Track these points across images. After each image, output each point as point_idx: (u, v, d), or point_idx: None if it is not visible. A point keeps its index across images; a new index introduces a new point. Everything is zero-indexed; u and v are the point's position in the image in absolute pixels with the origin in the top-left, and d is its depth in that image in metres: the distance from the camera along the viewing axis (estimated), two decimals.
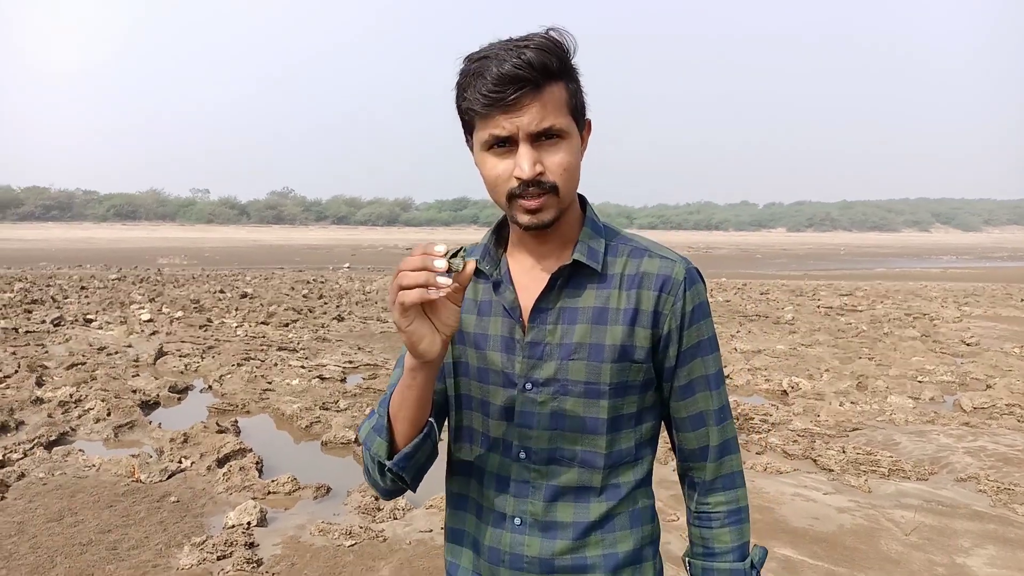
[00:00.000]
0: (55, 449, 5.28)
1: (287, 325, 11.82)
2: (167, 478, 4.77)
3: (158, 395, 7.01)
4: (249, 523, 4.03)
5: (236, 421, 6.09)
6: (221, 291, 16.64)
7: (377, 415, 1.15)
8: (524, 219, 1.11)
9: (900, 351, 9.94)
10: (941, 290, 19.91)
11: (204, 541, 3.76)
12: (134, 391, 6.94)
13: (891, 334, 11.44)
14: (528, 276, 1.21)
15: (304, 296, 16.02)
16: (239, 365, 8.39)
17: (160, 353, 8.96)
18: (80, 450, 5.25)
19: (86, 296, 15.00)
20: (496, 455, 1.21)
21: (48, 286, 16.88)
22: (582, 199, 1.26)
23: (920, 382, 7.98)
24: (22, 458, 5.05)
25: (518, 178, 1.08)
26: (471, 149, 1.17)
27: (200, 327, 11.35)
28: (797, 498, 4.52)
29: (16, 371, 7.61)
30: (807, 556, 3.78)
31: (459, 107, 1.12)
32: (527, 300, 1.19)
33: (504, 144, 1.08)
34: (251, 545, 3.80)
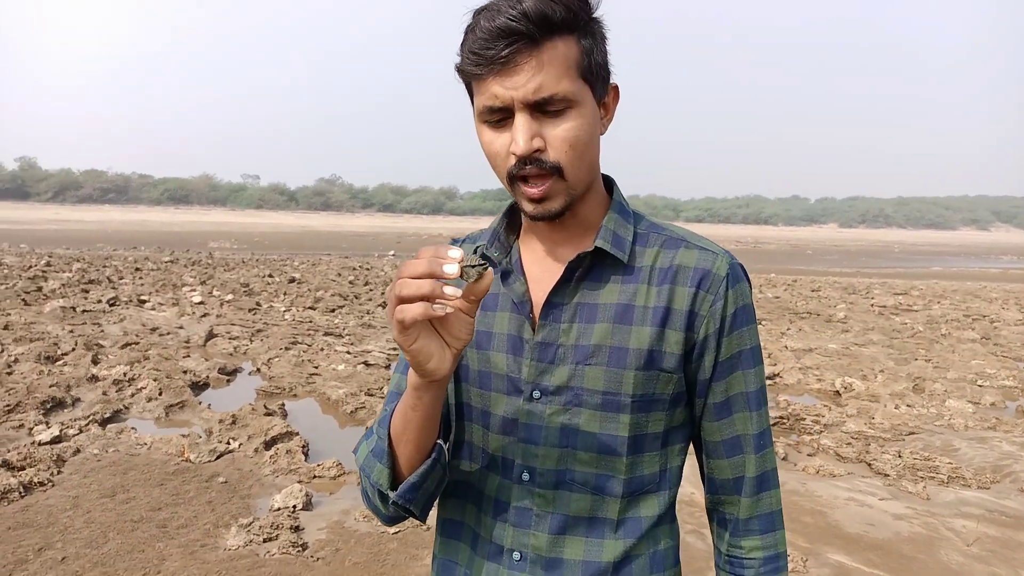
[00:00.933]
0: (109, 426, 5.40)
1: (333, 311, 11.94)
2: (215, 459, 4.84)
3: (208, 376, 7.13)
4: (295, 506, 4.06)
5: (283, 404, 6.15)
6: (270, 275, 16.91)
7: (376, 436, 0.99)
8: (529, 208, 0.95)
9: (959, 353, 9.59)
10: (1001, 291, 19.19)
11: (251, 523, 3.79)
12: (185, 372, 7.07)
13: (949, 335, 11.06)
14: (541, 266, 1.04)
15: (350, 282, 16.18)
16: (286, 349, 8.49)
17: (210, 335, 9.12)
18: (133, 428, 5.37)
19: (140, 277, 15.38)
20: (495, 475, 1.03)
21: (104, 267, 17.36)
22: (608, 180, 1.08)
23: (980, 386, 7.69)
24: (78, 434, 5.18)
25: (513, 154, 0.91)
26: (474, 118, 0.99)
27: (249, 310, 11.54)
28: (851, 503, 4.37)
29: (73, 349, 7.82)
30: (862, 563, 3.64)
31: (457, 68, 0.95)
32: (539, 294, 1.02)
33: (500, 116, 0.91)
34: (296, 529, 3.82)
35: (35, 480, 4.22)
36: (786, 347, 9.64)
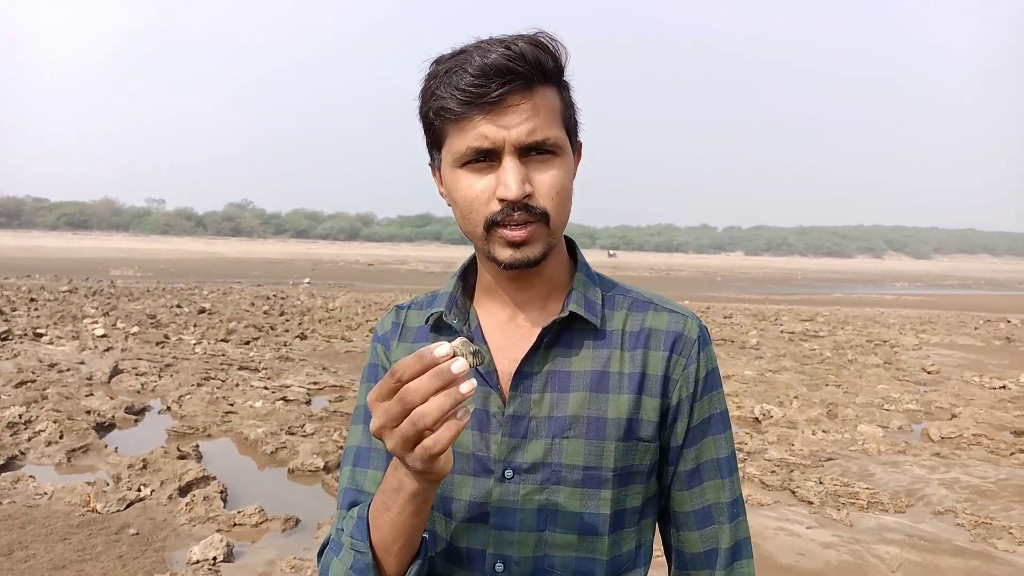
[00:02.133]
0: (3, 475, 4.96)
1: (248, 343, 11.49)
2: (125, 508, 4.51)
3: (113, 416, 6.69)
4: (215, 558, 3.81)
5: (198, 446, 5.82)
6: (178, 305, 16.16)
7: (351, 550, 0.86)
8: (505, 254, 0.88)
9: (865, 378, 10.05)
10: (898, 316, 20.32)
11: None
12: (88, 412, 6.61)
13: (855, 361, 11.58)
14: (503, 333, 0.96)
15: (265, 312, 15.64)
16: (199, 385, 8.09)
17: (115, 371, 8.60)
18: (31, 476, 4.95)
19: (35, 308, 14.42)
20: (462, 571, 0.93)
21: None
22: (569, 242, 1.04)
23: (887, 410, 8.05)
24: None
25: (502, 199, 0.85)
26: (436, 169, 0.95)
27: (157, 343, 10.97)
28: (781, 532, 4.45)
29: None
30: None
31: (425, 113, 0.89)
32: (504, 363, 0.94)
33: (484, 159, 0.86)
34: None
35: None
36: None
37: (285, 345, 11.40)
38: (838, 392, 8.95)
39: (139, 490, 4.76)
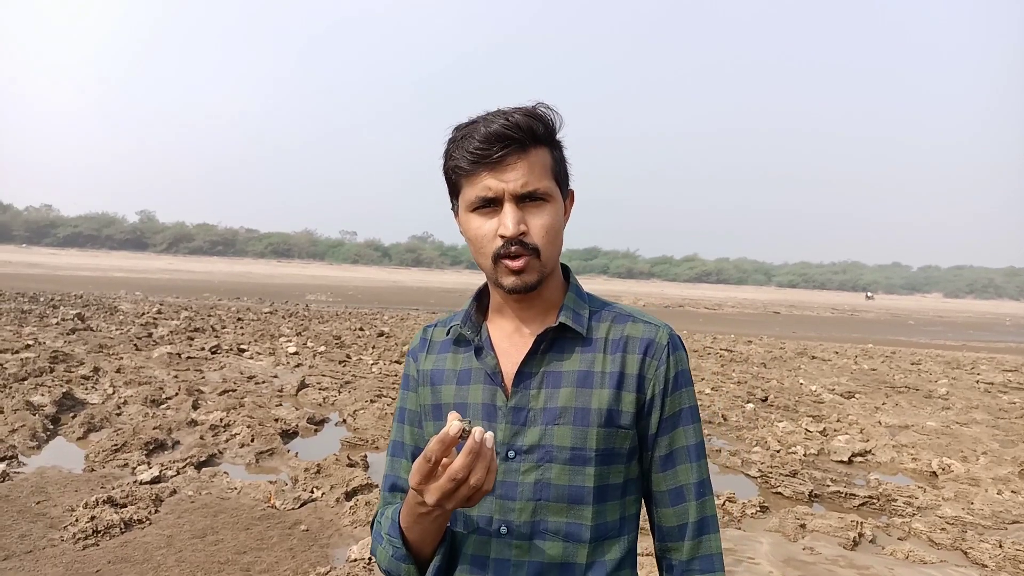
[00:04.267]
0: (204, 470, 5.72)
1: None
2: (299, 506, 5.03)
3: (297, 425, 7.43)
4: (370, 559, 4.17)
5: (365, 456, 6.34)
6: (361, 328, 17.48)
7: (391, 545, 1.11)
8: (508, 281, 1.11)
9: None
10: None
11: (328, 572, 3.93)
12: (276, 420, 7.40)
13: None
14: (509, 341, 1.19)
15: None
16: (372, 401, 8.75)
17: (302, 385, 9.51)
18: (225, 472, 5.66)
19: (241, 327, 16.20)
20: (474, 535, 1.15)
21: (209, 316, 18.39)
22: (566, 269, 1.26)
23: None
24: (175, 475, 5.50)
25: (502, 236, 1.09)
26: (455, 213, 1.18)
27: (339, 362, 11.96)
28: None
29: (176, 393, 8.32)
30: None
31: (446, 169, 1.14)
32: (508, 366, 1.17)
33: (489, 205, 1.10)
34: None
35: (135, 518, 4.51)
36: (880, 423, 9.21)
37: None
38: None
39: (312, 492, 5.29)
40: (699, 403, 9.72)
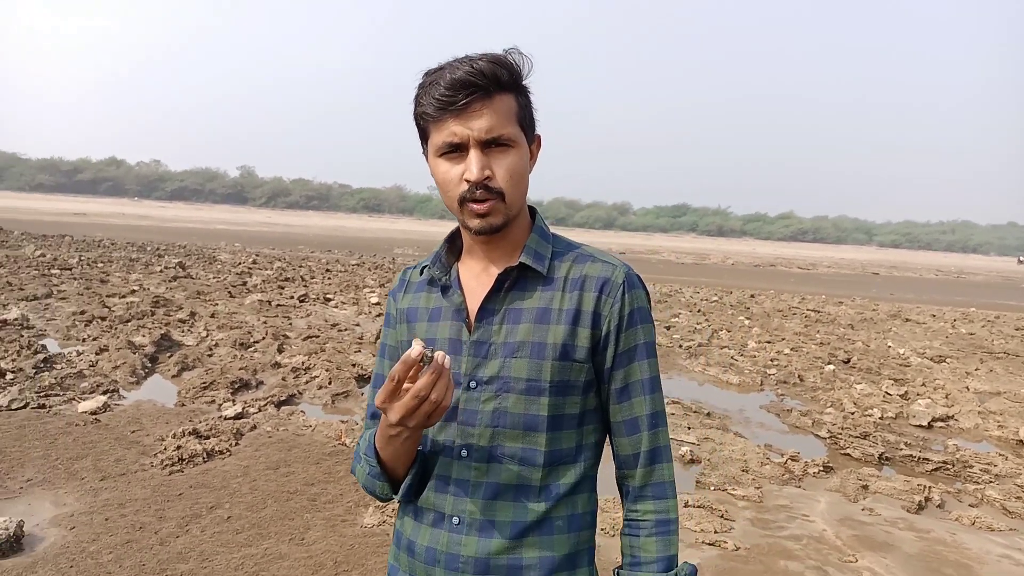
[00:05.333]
0: (283, 408, 6.08)
1: None
2: None
3: (371, 370, 7.72)
4: None
5: None
6: None
7: (367, 464, 1.20)
8: (474, 223, 1.15)
9: None
10: None
11: (386, 506, 4.15)
12: (353, 365, 7.74)
13: None
14: (476, 281, 1.24)
15: None
16: None
17: (380, 333, 9.85)
18: (302, 411, 6.00)
19: (329, 278, 16.84)
20: (440, 456, 1.21)
21: (300, 267, 19.17)
22: (532, 210, 1.29)
23: None
24: (256, 412, 5.88)
25: (467, 180, 1.12)
26: (426, 157, 1.21)
27: None
28: (1005, 560, 4.00)
29: (263, 338, 8.80)
30: None
31: (415, 114, 1.17)
32: (475, 303, 1.22)
33: (456, 150, 1.13)
34: None
35: (216, 449, 4.87)
36: (967, 388, 8.81)
37: None
38: None
39: None
40: (776, 362, 9.58)
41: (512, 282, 1.21)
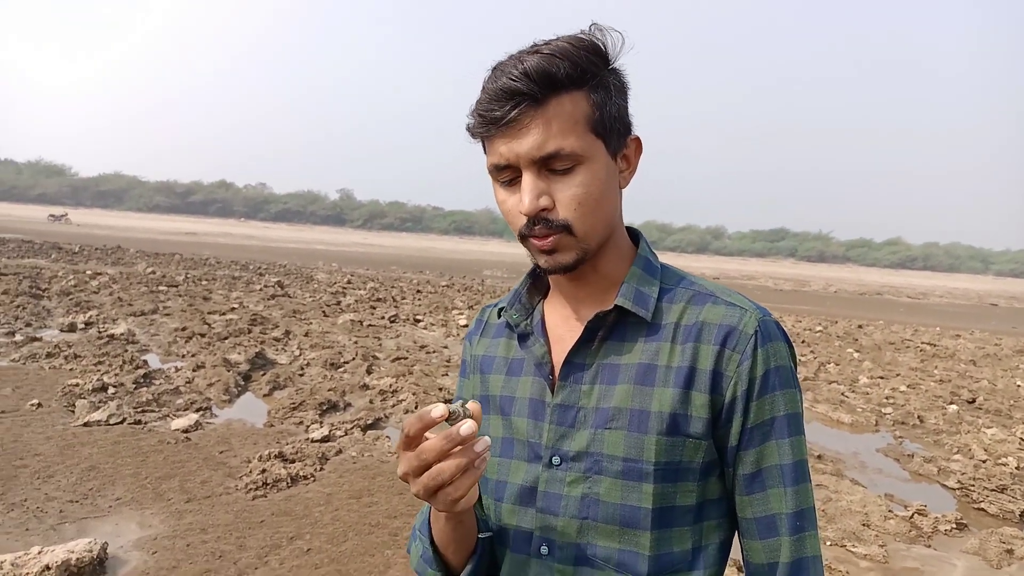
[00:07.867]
0: (369, 432, 5.96)
1: None
2: None
3: None
4: None
5: None
6: None
7: (420, 543, 0.98)
8: (541, 261, 0.91)
9: None
10: None
11: None
12: (440, 389, 7.59)
13: None
14: (566, 326, 0.98)
15: None
16: None
17: None
18: (387, 436, 5.86)
19: (419, 299, 16.94)
20: (510, 552, 0.96)
21: (392, 287, 19.42)
22: (636, 234, 1.02)
23: None
24: (343, 436, 5.78)
25: (522, 213, 0.88)
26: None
27: None
28: None
29: (354, 358, 8.80)
30: None
31: (467, 129, 0.93)
32: (561, 355, 0.96)
33: (508, 172, 0.88)
34: None
35: (301, 474, 4.77)
36: None
37: None
38: None
39: None
40: (891, 400, 8.84)
41: (607, 330, 0.94)
